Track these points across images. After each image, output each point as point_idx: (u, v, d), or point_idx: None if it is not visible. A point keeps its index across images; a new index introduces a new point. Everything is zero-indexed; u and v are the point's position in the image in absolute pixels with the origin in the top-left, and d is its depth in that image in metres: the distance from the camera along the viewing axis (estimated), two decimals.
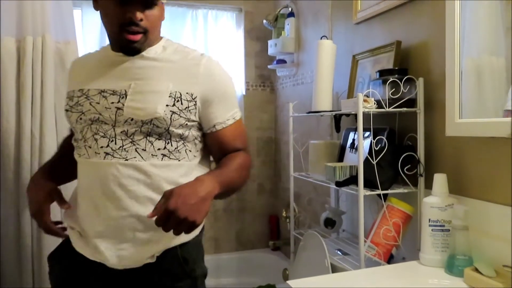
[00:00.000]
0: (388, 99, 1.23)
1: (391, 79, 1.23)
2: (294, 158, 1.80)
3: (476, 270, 0.99)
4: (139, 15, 0.97)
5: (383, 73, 1.29)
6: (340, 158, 1.62)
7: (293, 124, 1.80)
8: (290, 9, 2.35)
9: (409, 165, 1.27)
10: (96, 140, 1.00)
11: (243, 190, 2.71)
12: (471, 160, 1.13)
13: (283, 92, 2.60)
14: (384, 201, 1.26)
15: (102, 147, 0.99)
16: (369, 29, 1.61)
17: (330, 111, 1.55)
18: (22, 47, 1.48)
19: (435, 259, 1.10)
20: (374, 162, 1.22)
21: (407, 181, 1.28)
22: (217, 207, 2.64)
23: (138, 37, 0.99)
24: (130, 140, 0.99)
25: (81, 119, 1.02)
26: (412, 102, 1.27)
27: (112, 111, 1.00)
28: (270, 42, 2.42)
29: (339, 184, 1.33)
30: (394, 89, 1.23)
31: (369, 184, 1.26)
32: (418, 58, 1.33)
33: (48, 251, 1.08)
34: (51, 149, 1.54)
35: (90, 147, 1.01)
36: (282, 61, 2.42)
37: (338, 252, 1.52)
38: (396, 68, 1.29)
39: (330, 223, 1.67)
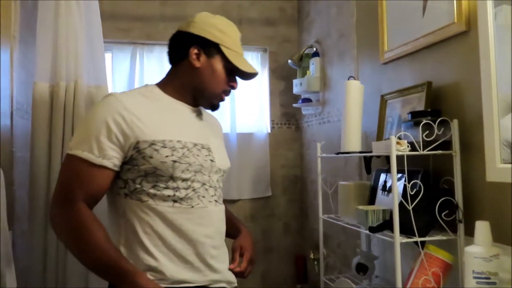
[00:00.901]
0: (422, 141, 1.19)
1: (424, 121, 1.19)
2: (323, 198, 1.76)
3: None
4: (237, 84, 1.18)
5: (416, 115, 1.26)
6: (371, 200, 1.56)
7: (320, 164, 1.76)
8: (314, 49, 2.37)
9: (447, 211, 1.21)
10: (206, 190, 1.12)
11: (268, 229, 2.65)
12: None
13: (308, 130, 2.58)
14: (422, 248, 1.19)
15: (212, 195, 1.13)
16: (397, 69, 1.59)
17: (360, 152, 1.52)
18: (55, 92, 1.52)
19: None
20: (410, 207, 1.17)
21: (445, 227, 1.21)
22: None
23: None
24: (219, 187, 1.17)
25: (187, 170, 1.08)
26: (447, 144, 1.22)
27: (208, 163, 1.13)
28: (295, 81, 2.43)
29: (372, 229, 1.28)
30: (427, 131, 1.19)
31: (405, 230, 1.20)
32: (451, 99, 1.30)
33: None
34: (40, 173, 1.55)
35: (204, 197, 1.11)
36: (307, 100, 2.41)
37: None
38: (429, 109, 1.26)
39: (362, 268, 1.59)
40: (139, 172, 1.04)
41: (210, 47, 1.12)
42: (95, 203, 1.05)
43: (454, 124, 1.21)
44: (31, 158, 1.53)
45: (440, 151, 1.20)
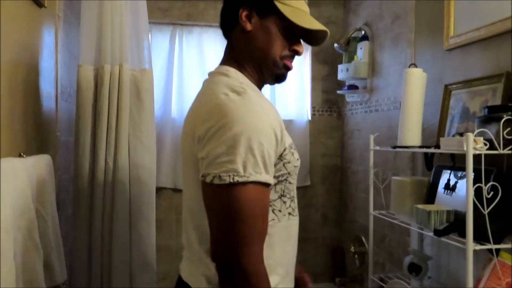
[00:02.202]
0: (503, 139, 1.07)
1: (505, 117, 1.07)
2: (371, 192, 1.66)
3: None
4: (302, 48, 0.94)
5: (494, 110, 1.13)
6: (430, 199, 1.45)
7: (373, 157, 1.66)
8: (363, 32, 2.23)
9: None
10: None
11: (306, 220, 2.57)
12: None
13: (352, 118, 2.46)
14: (496, 256, 1.09)
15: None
16: (464, 57, 1.45)
17: (421, 146, 1.40)
18: (100, 75, 1.46)
19: None
20: (486, 212, 1.06)
21: None
22: None
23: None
24: None
25: (296, 174, 0.91)
26: None
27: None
28: (340, 67, 2.30)
29: (438, 233, 1.18)
30: (509, 129, 1.07)
31: (476, 235, 1.10)
32: None
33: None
34: (122, 179, 1.50)
35: (297, 207, 0.95)
36: (353, 87, 2.29)
37: None
38: (510, 104, 1.13)
39: (415, 269, 1.50)
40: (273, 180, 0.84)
41: (263, 6, 0.91)
42: None
43: None
44: (75, 143, 1.49)
45: None
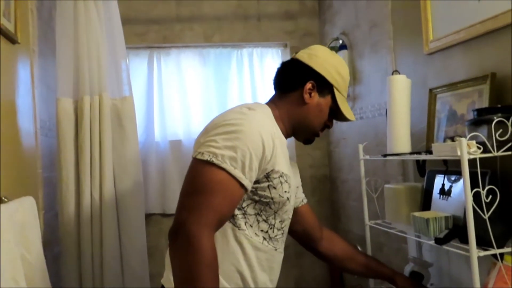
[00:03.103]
0: (496, 141, 1.07)
1: (496, 119, 1.07)
2: (361, 202, 1.64)
3: None
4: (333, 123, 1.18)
5: (483, 112, 1.13)
6: (425, 205, 1.44)
7: (364, 167, 1.64)
8: (341, 41, 2.24)
9: None
10: (285, 234, 1.12)
11: None
12: None
13: (337, 127, 2.45)
14: (501, 261, 1.07)
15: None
16: (446, 60, 1.46)
17: (412, 153, 1.39)
18: (80, 107, 1.42)
19: None
20: (486, 216, 1.05)
21: None
22: None
23: None
24: None
25: (288, 211, 1.06)
26: None
27: (293, 208, 1.14)
28: None
29: (439, 241, 1.16)
30: (500, 130, 1.07)
31: (478, 240, 1.08)
32: None
33: None
34: (110, 211, 1.44)
35: (284, 242, 1.11)
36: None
37: None
38: (499, 106, 1.13)
39: (417, 277, 1.47)
40: (253, 197, 0.99)
41: (324, 87, 1.10)
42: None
43: None
44: (58, 179, 1.44)
45: None
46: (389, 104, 1.47)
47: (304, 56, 1.12)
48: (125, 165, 1.47)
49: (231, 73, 2.46)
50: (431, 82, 1.54)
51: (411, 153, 1.40)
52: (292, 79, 1.11)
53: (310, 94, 1.09)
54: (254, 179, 0.95)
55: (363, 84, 2.10)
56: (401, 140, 1.43)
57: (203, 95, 2.38)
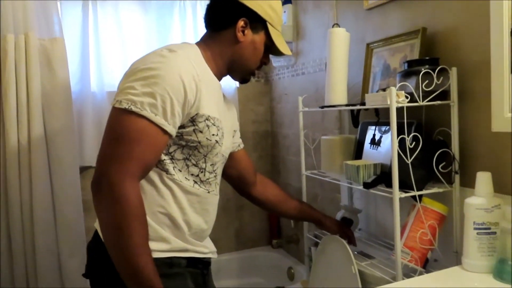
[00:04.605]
0: (422, 91, 1.13)
1: (423, 70, 1.13)
2: (300, 154, 1.69)
3: None
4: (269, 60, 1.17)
5: (413, 64, 1.19)
6: (358, 155, 1.52)
7: (302, 119, 1.68)
8: None
9: (444, 163, 1.18)
10: (220, 177, 1.13)
11: None
12: None
13: (279, 83, 2.47)
14: (419, 202, 1.17)
15: (219, 184, 1.13)
16: (384, 16, 1.50)
17: (348, 105, 1.45)
18: (3, 47, 1.30)
19: (481, 265, 1.02)
20: (409, 161, 1.13)
21: (442, 179, 1.19)
22: None
23: None
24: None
25: (219, 153, 1.06)
26: (444, 95, 1.17)
27: (228, 152, 1.16)
28: None
29: (367, 185, 1.23)
30: (426, 81, 1.13)
31: (401, 184, 1.16)
32: (447, 46, 1.24)
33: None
34: (39, 159, 1.37)
35: (218, 184, 1.11)
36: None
37: (360, 254, 1.44)
38: (427, 58, 1.19)
39: (347, 222, 1.57)
40: (180, 142, 0.96)
41: (258, 22, 1.07)
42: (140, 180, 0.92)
43: (453, 73, 1.16)
44: None
45: (438, 102, 1.15)
46: (328, 56, 1.50)
47: None
48: (56, 110, 1.39)
49: (173, 24, 2.36)
50: (369, 37, 1.58)
51: (347, 105, 1.45)
52: (223, 16, 1.07)
53: (243, 32, 1.06)
54: (178, 124, 0.94)
55: (306, 40, 2.11)
56: (338, 92, 1.47)
57: (143, 46, 2.27)
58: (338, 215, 1.61)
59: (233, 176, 1.35)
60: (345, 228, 1.44)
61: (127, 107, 0.87)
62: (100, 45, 2.19)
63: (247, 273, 2.52)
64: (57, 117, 1.40)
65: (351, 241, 1.43)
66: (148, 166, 0.91)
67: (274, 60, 2.42)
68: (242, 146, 1.35)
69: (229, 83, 2.49)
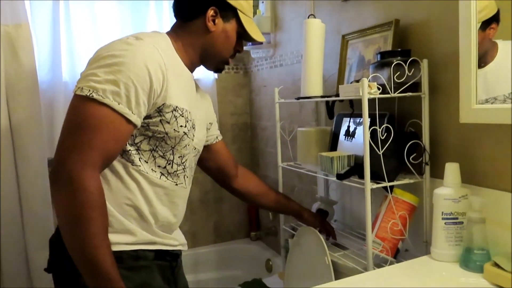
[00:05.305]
0: (393, 83, 1.13)
1: (395, 62, 1.13)
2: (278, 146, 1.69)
3: (496, 265, 0.93)
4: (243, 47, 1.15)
5: (385, 55, 1.19)
6: (333, 146, 1.52)
7: (279, 111, 1.68)
8: None
9: (415, 154, 1.19)
10: (191, 169, 1.10)
11: None
12: (486, 147, 1.06)
13: (258, 74, 2.46)
14: (390, 193, 1.18)
15: (191, 178, 1.12)
16: (359, 7, 1.50)
17: (323, 96, 1.44)
18: None
19: (449, 254, 1.03)
20: (381, 152, 1.13)
21: (413, 170, 1.20)
22: (193, 199, 2.50)
23: None
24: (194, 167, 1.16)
25: (188, 146, 1.04)
26: (415, 86, 1.18)
27: (201, 145, 1.14)
28: None
29: (340, 176, 1.24)
30: (398, 73, 1.13)
31: (373, 175, 1.17)
32: (418, 38, 1.24)
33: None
34: (5, 153, 1.32)
35: (188, 177, 1.08)
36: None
37: (334, 245, 1.44)
38: (399, 49, 1.19)
39: (322, 214, 1.58)
40: (146, 132, 0.94)
41: (228, 10, 1.06)
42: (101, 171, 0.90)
43: (424, 65, 1.16)
44: None
45: (410, 93, 1.15)
46: (304, 47, 1.49)
47: None
48: (22, 100, 1.34)
49: (149, 11, 2.31)
50: (345, 28, 1.58)
51: (322, 97, 1.45)
52: (192, 6, 1.04)
53: (213, 21, 1.04)
54: (144, 114, 0.91)
55: (284, 31, 2.10)
56: (313, 83, 1.46)
57: (118, 34, 2.22)
58: (314, 207, 1.62)
59: (212, 169, 1.33)
60: (324, 223, 1.44)
61: (88, 94, 0.84)
62: (72, 33, 2.12)
63: (226, 265, 2.51)
64: (23, 106, 1.35)
65: (332, 235, 1.44)
66: (109, 156, 0.89)
67: (253, 52, 2.40)
68: (220, 138, 1.33)
69: (207, 74, 2.46)
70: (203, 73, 2.45)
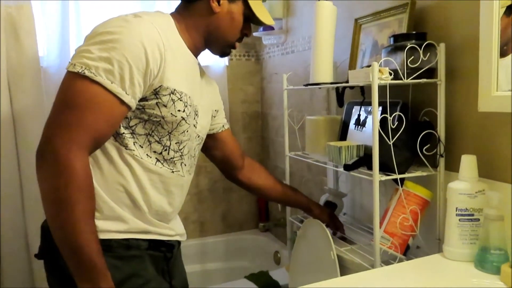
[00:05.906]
0: (406, 68, 1.05)
1: (409, 45, 1.05)
2: (288, 135, 1.63)
3: None
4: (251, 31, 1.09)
5: (398, 39, 1.11)
6: (342, 136, 1.45)
7: (287, 98, 1.61)
8: None
9: (428, 145, 1.11)
10: (189, 158, 1.04)
11: None
12: (506, 139, 0.98)
13: (270, 62, 2.39)
14: (401, 185, 1.10)
15: (191, 165, 1.06)
16: None
17: (333, 83, 1.37)
18: None
19: (463, 253, 0.96)
20: (391, 142, 1.06)
21: (426, 162, 1.12)
22: (201, 188, 2.46)
23: None
24: (196, 156, 1.10)
25: (186, 132, 0.98)
26: (431, 72, 1.09)
27: (205, 132, 1.10)
28: None
29: (348, 167, 1.17)
30: (412, 57, 1.05)
31: (383, 167, 1.10)
32: (436, 21, 1.15)
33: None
34: (7, 140, 1.30)
35: (185, 165, 1.03)
36: (269, 28, 2.19)
37: (341, 240, 1.38)
38: (414, 32, 1.11)
39: (330, 206, 1.52)
40: (141, 115, 0.89)
41: None
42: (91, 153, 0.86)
43: (441, 49, 1.08)
44: None
45: (424, 80, 1.07)
46: (314, 31, 1.41)
47: None
48: (24, 85, 1.31)
49: None
50: (357, 12, 1.49)
51: (331, 83, 1.37)
52: None
53: (218, 2, 0.98)
54: (139, 95, 0.86)
55: (295, 17, 2.02)
56: (323, 69, 1.39)
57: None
58: (322, 199, 1.56)
59: (217, 158, 1.29)
60: (333, 217, 1.38)
61: (80, 71, 0.80)
62: (80, 17, 2.09)
63: (233, 256, 2.48)
64: (26, 92, 1.32)
65: (340, 230, 1.38)
66: (100, 138, 0.85)
67: (264, 38, 2.33)
68: (226, 127, 1.27)
69: (218, 61, 2.40)
70: (213, 60, 2.39)
